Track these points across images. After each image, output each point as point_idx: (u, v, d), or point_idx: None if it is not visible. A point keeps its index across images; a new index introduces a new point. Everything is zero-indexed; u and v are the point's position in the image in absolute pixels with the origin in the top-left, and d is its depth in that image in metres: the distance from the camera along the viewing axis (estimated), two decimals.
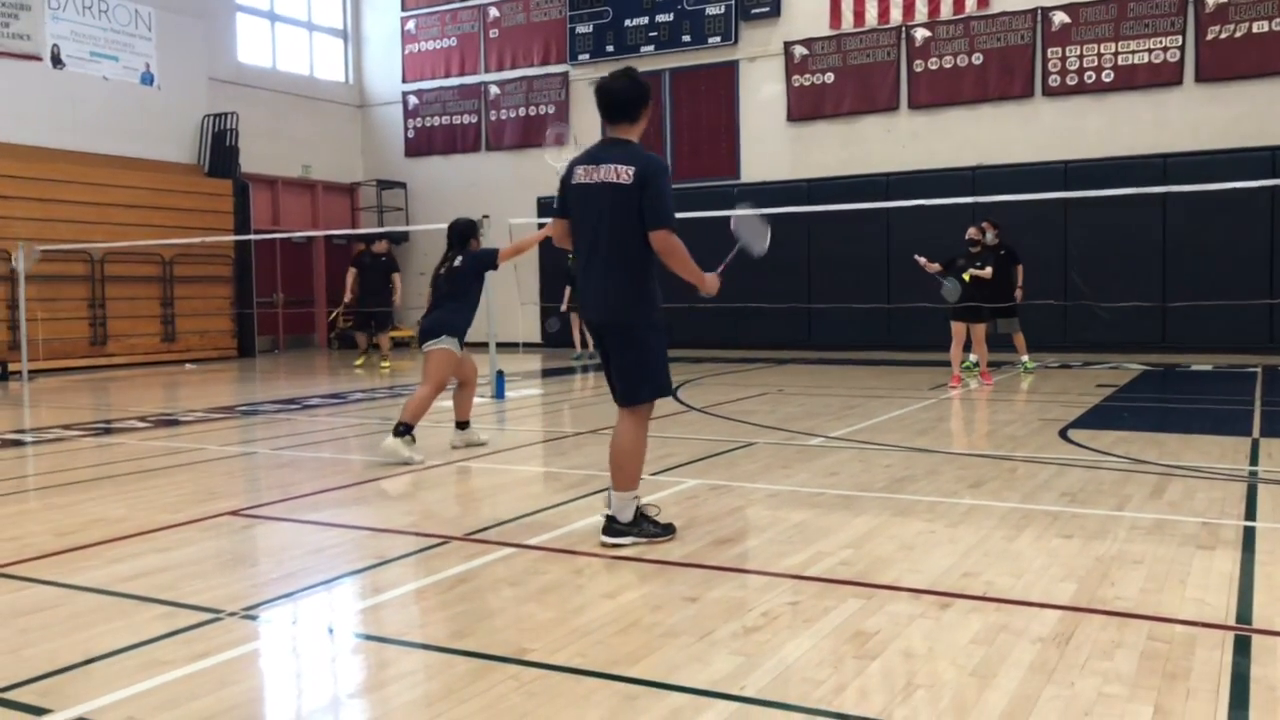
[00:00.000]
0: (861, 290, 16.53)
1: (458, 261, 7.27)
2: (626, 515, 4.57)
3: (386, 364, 15.51)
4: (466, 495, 5.98)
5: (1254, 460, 6.55)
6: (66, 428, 9.14)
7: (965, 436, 8.10)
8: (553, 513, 5.31)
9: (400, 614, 3.79)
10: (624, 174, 4.46)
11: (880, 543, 4.56)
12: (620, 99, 4.60)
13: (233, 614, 3.67)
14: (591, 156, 4.64)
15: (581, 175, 4.61)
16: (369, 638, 3.52)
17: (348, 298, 15.71)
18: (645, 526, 4.61)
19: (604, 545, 4.51)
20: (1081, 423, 8.35)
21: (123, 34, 17.64)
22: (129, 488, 6.21)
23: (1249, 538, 4.56)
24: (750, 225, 5.17)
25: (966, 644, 3.27)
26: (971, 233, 11.23)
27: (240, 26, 20.24)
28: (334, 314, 15.26)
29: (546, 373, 14.43)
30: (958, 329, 11.08)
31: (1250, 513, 5.06)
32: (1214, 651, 3.18)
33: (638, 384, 4.62)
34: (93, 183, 16.58)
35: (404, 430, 6.87)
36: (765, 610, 3.63)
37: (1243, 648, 3.22)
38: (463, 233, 7.45)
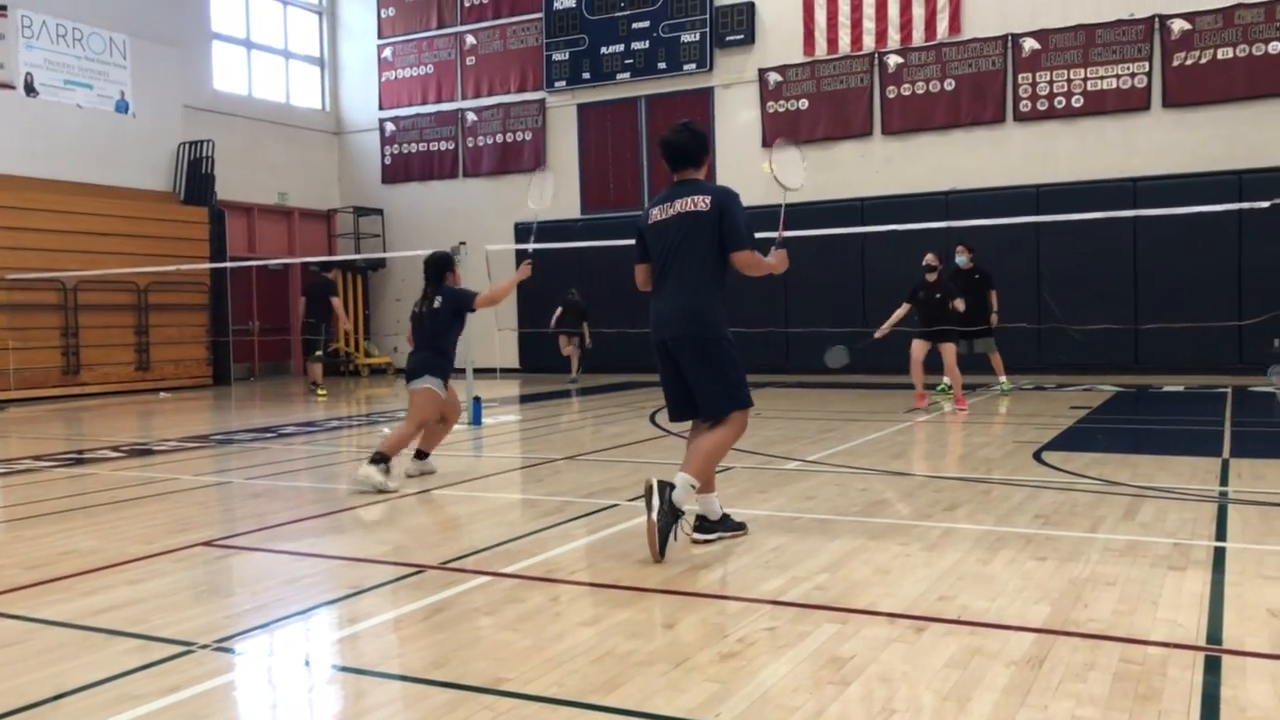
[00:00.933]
0: (837, 314, 16.63)
1: (437, 303, 7.27)
2: (715, 511, 5.08)
3: (322, 393, 15.25)
4: (443, 523, 5.96)
5: (1224, 481, 6.62)
6: (37, 458, 9.05)
7: (940, 459, 8.14)
8: (530, 540, 5.29)
9: (376, 644, 3.76)
10: (701, 202, 4.92)
11: (856, 567, 4.58)
12: (685, 150, 5.11)
13: (206, 646, 3.64)
14: (664, 198, 5.10)
15: (657, 215, 5.07)
16: (345, 669, 3.50)
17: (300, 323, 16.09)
18: (729, 522, 5.14)
19: (694, 542, 4.97)
20: (1055, 445, 8.42)
21: (97, 62, 17.61)
22: (101, 519, 6.15)
23: (1219, 558, 4.60)
24: (787, 163, 5.53)
25: (941, 667, 3.29)
26: (929, 258, 11.33)
27: (216, 54, 20.25)
28: (319, 349, 15.42)
29: (524, 399, 14.41)
30: (919, 348, 11.19)
31: (1220, 533, 5.11)
32: (1185, 672, 3.21)
33: (729, 393, 4.99)
34: (66, 211, 16.49)
35: (380, 459, 6.84)
36: (741, 636, 3.63)
37: (1213, 668, 3.25)
38: (439, 267, 7.43)
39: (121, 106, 17.94)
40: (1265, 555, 4.64)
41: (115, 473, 8.09)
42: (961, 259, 12.53)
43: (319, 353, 15.46)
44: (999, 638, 3.57)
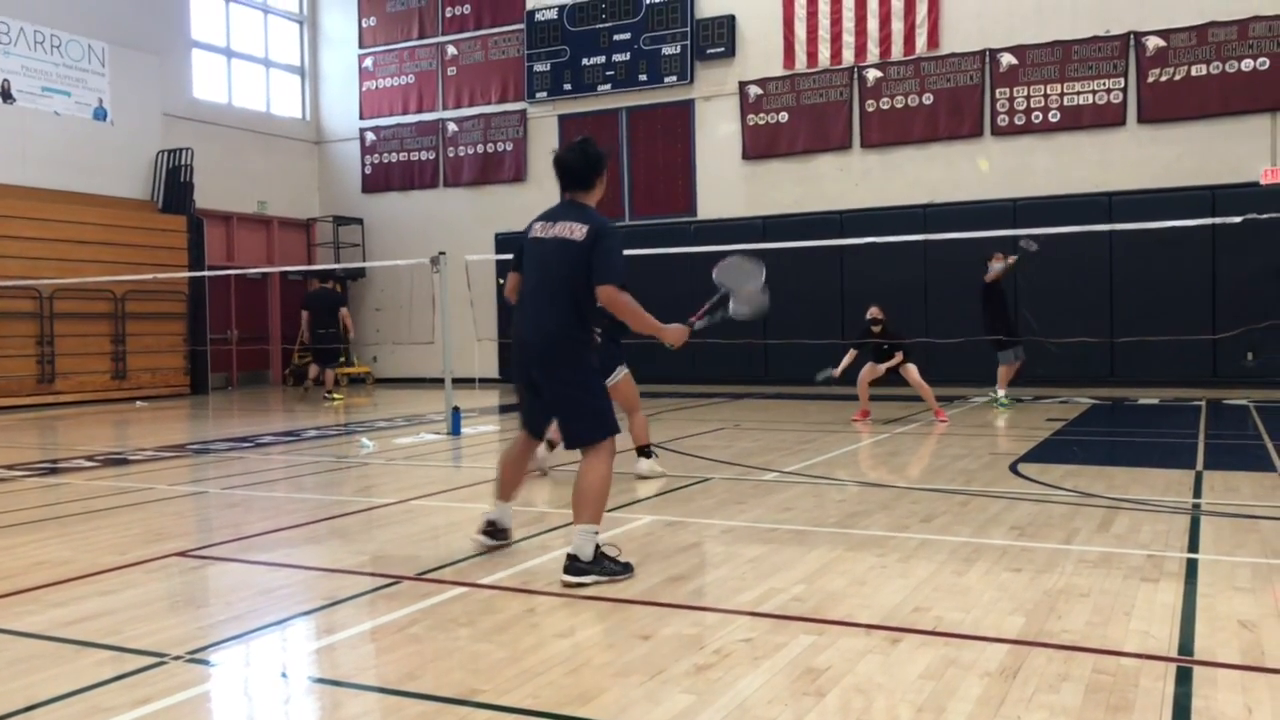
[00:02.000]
0: (816, 326, 16.68)
1: None
2: (588, 553, 4.57)
3: (338, 397, 15.90)
4: (420, 534, 5.94)
5: (1197, 493, 6.68)
6: (10, 468, 8.95)
7: (918, 471, 8.18)
8: (507, 551, 5.28)
9: (351, 656, 3.75)
10: (579, 231, 4.79)
11: (833, 578, 4.59)
12: (573, 171, 4.99)
13: (178, 658, 3.61)
14: (549, 215, 5.00)
15: (538, 230, 4.96)
16: (320, 680, 3.48)
17: (304, 338, 16.33)
18: (606, 564, 4.61)
19: (566, 585, 4.49)
20: (1032, 457, 8.47)
21: (75, 69, 17.50)
22: (74, 529, 6.10)
23: (1191, 569, 4.65)
24: (736, 273, 5.24)
25: (916, 679, 3.30)
26: (872, 312, 11.46)
27: (196, 62, 20.16)
28: (341, 358, 16.16)
29: (504, 409, 14.38)
30: (869, 371, 11.49)
31: (1193, 545, 5.16)
32: (1157, 683, 3.23)
33: (591, 423, 4.77)
34: (43, 218, 16.35)
35: (646, 452, 7.52)
36: (718, 648, 3.64)
37: (1184, 679, 3.28)
38: None
39: (100, 114, 17.83)
40: (1236, 567, 4.68)
41: (89, 482, 8.01)
42: (998, 265, 12.46)
43: (342, 359, 16.40)
44: (974, 649, 3.59)
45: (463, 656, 3.61)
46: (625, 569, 4.67)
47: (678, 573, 4.76)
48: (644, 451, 7.61)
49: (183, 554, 5.34)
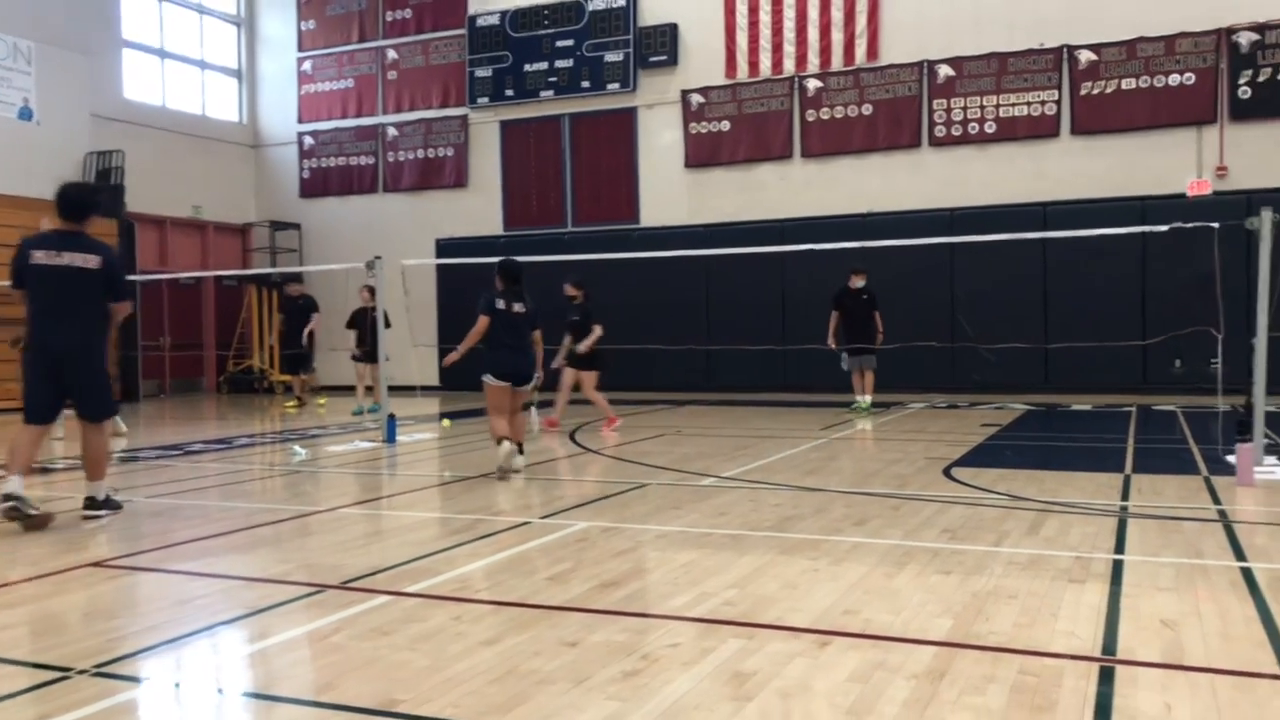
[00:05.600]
0: (758, 333, 16.77)
1: (522, 308, 8.28)
2: (101, 496, 6.40)
3: (292, 405, 15.89)
4: (348, 542, 5.81)
5: (1125, 496, 6.78)
6: None
7: (853, 475, 8.20)
8: (437, 558, 5.18)
9: (266, 667, 3.63)
10: (93, 261, 6.14)
11: (764, 582, 4.57)
12: (73, 204, 6.25)
13: (83, 671, 3.46)
14: (51, 243, 6.15)
15: (42, 258, 6.11)
16: (231, 693, 3.36)
17: (271, 341, 16.32)
18: (113, 502, 6.48)
19: (87, 518, 6.27)
20: (965, 461, 8.55)
21: (0, 68, 17.00)
22: None
23: (1117, 570, 4.70)
24: None
25: (843, 681, 3.28)
26: (567, 289, 11.53)
27: (127, 63, 19.71)
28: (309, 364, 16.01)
29: (442, 416, 14.20)
30: (569, 375, 11.54)
31: (1120, 546, 5.22)
32: (1081, 682, 3.24)
33: (106, 404, 6.55)
34: None
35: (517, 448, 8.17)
36: (645, 654, 3.59)
37: (1107, 678, 3.29)
38: (518, 273, 8.37)
39: (25, 114, 17.34)
40: (1160, 567, 4.74)
41: None
42: (859, 282, 12.97)
43: (314, 366, 16.39)
44: (902, 651, 3.57)
45: (383, 666, 3.51)
46: (119, 506, 6.52)
47: (609, 579, 4.70)
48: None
49: (99, 564, 5.16)
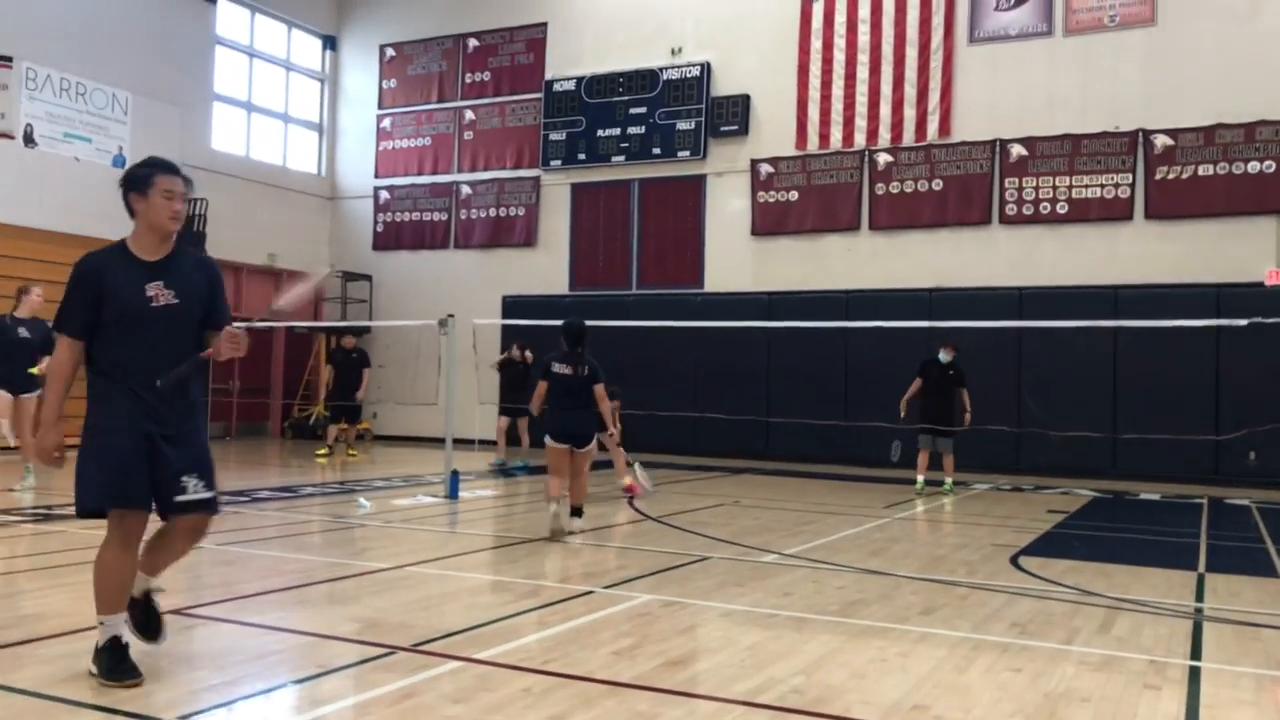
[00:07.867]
0: (819, 404, 16.69)
1: (587, 370, 8.46)
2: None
3: (354, 452, 16.33)
4: (414, 603, 5.88)
5: (1199, 596, 6.62)
6: (5, 512, 8.90)
7: (918, 560, 8.11)
8: (504, 625, 5.23)
9: None
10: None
11: (832, 670, 4.54)
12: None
13: None
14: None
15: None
16: None
17: (323, 393, 16.58)
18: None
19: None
20: (1032, 550, 8.41)
21: (98, 116, 17.77)
22: (66, 580, 6.04)
23: (1194, 678, 4.59)
24: None
25: None
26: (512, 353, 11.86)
27: (216, 115, 20.47)
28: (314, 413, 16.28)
29: (504, 472, 14.32)
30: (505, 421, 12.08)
31: (1195, 652, 5.10)
32: None
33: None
34: (58, 262, 16.44)
35: (578, 512, 8.55)
36: None
37: None
38: (582, 335, 8.59)
39: (119, 161, 18.04)
40: (1240, 677, 4.63)
41: (83, 531, 7.94)
42: (947, 356, 12.62)
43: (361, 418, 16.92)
44: None
45: None
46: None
47: (674, 657, 4.71)
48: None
49: (177, 612, 5.29)
